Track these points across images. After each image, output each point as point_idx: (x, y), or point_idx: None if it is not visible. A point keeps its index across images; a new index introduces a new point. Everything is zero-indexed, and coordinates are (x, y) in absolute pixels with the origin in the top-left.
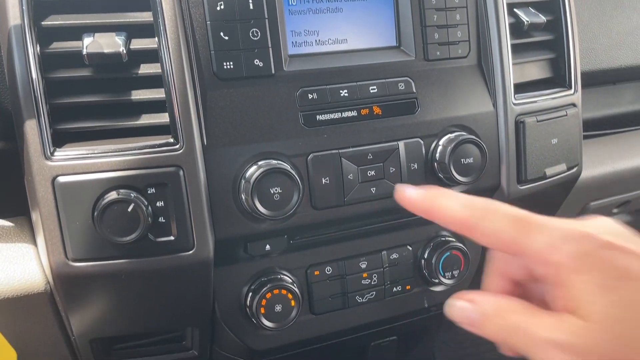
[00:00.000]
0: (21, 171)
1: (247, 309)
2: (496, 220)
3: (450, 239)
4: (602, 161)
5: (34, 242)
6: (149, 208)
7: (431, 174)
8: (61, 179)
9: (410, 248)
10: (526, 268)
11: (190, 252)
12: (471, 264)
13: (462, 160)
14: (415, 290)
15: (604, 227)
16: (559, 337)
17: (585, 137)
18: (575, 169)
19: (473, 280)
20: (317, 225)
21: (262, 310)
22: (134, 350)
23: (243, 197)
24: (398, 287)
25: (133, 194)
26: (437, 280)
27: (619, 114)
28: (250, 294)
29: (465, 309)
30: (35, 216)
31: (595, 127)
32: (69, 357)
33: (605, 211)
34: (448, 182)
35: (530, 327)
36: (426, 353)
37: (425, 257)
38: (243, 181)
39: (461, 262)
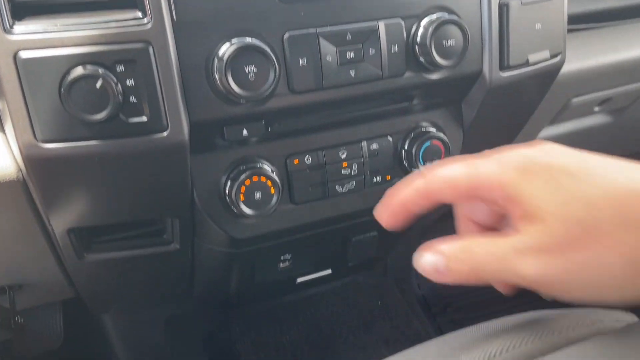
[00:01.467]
0: None
1: (227, 197)
2: (449, 170)
3: (431, 129)
4: (586, 55)
5: (3, 130)
6: (119, 86)
7: (412, 57)
8: (23, 54)
9: (391, 139)
10: (491, 211)
11: (164, 133)
12: (451, 155)
13: (444, 42)
14: (395, 181)
15: (545, 145)
16: (526, 245)
17: (570, 30)
18: (558, 57)
19: None
20: (296, 110)
21: (242, 198)
22: (113, 243)
23: (217, 77)
24: (378, 178)
25: (101, 70)
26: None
27: (605, 9)
28: (229, 181)
29: (431, 259)
30: (1, 103)
31: (580, 22)
32: (47, 249)
33: (587, 109)
34: (429, 66)
35: (498, 250)
36: (407, 256)
37: (406, 147)
38: (216, 60)
39: (441, 153)
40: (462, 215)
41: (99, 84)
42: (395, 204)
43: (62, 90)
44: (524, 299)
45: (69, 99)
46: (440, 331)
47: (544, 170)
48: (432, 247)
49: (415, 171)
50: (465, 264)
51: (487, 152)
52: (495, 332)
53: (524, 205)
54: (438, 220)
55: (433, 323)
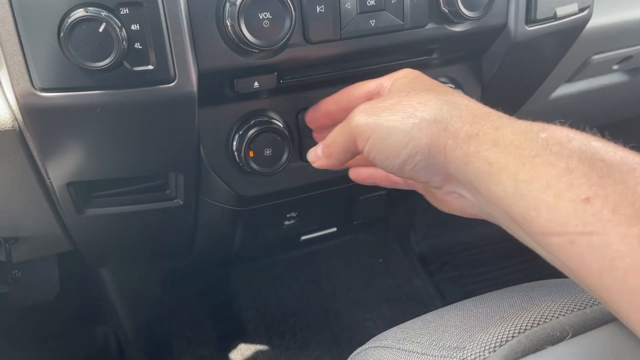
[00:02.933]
0: None
1: (235, 153)
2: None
3: (450, 85)
4: (610, 9)
5: None
6: (123, 31)
7: (435, 7)
8: None
9: None
10: None
11: (172, 84)
12: None
13: None
14: None
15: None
16: (364, 106)
17: None
18: (586, 12)
19: None
20: (310, 61)
21: (251, 154)
22: (115, 198)
23: (229, 23)
24: None
25: (104, 13)
26: None
27: None
28: (238, 136)
29: (313, 149)
30: None
31: None
32: (45, 203)
33: (605, 67)
34: (453, 17)
35: (349, 117)
36: (408, 215)
37: None
38: (228, 4)
39: None
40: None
41: (101, 28)
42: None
43: (62, 34)
44: (517, 259)
45: (69, 44)
46: (437, 289)
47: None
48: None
49: None
50: (329, 140)
51: None
52: (520, 300)
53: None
54: None
55: (430, 280)
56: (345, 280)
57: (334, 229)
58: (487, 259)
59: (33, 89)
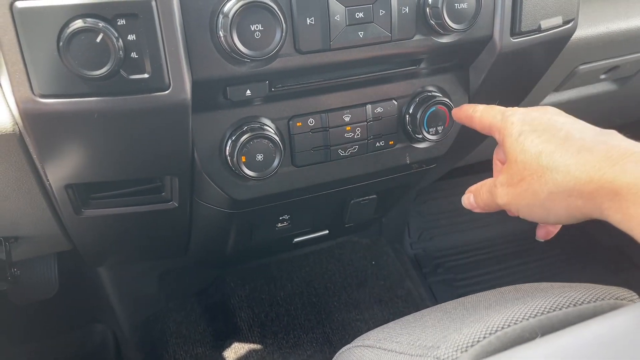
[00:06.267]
0: None
1: (228, 158)
2: (474, 110)
3: (437, 93)
4: (596, 21)
5: None
6: (120, 41)
7: (422, 20)
8: (19, 3)
9: (396, 102)
10: None
11: (166, 92)
12: (456, 120)
13: (456, 5)
14: (398, 146)
15: (548, 108)
16: (500, 180)
17: None
18: (570, 24)
19: (458, 136)
20: (301, 70)
21: (243, 159)
22: (112, 200)
23: (221, 34)
24: (381, 142)
25: (101, 24)
26: (420, 136)
27: None
28: (231, 141)
29: (467, 196)
30: None
31: None
32: (44, 204)
33: (593, 77)
34: (439, 29)
35: (490, 186)
36: (401, 217)
37: (410, 112)
38: (221, 16)
39: (446, 118)
40: (494, 158)
41: (99, 39)
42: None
43: (61, 43)
44: (510, 262)
45: (67, 53)
46: (430, 291)
47: (530, 122)
48: (468, 189)
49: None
50: (480, 198)
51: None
52: (495, 302)
53: (503, 147)
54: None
55: (424, 283)
56: (337, 281)
57: (326, 232)
58: (480, 261)
59: (33, 95)
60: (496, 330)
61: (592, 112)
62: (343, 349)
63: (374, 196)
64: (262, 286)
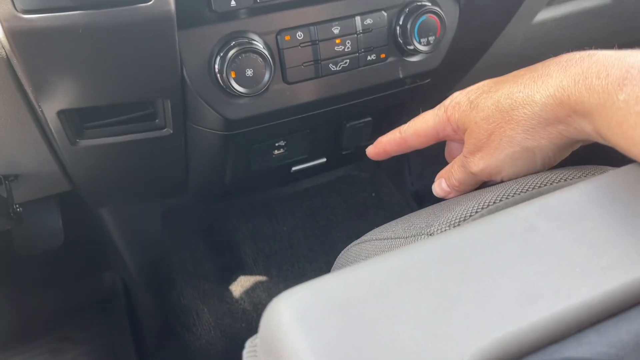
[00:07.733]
0: None
1: (218, 75)
2: (417, 127)
3: (426, 3)
4: None
5: None
6: None
7: None
8: None
9: (385, 13)
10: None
11: (150, 3)
12: (447, 30)
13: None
14: (390, 59)
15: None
16: (467, 149)
17: None
18: None
19: (450, 49)
20: None
21: (233, 74)
22: (106, 129)
23: None
24: (372, 56)
25: None
26: (412, 47)
27: None
28: (219, 57)
29: (437, 184)
30: None
31: None
32: (39, 136)
33: None
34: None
35: (460, 161)
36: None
37: (400, 23)
38: None
39: (437, 28)
40: (447, 156)
41: None
42: (381, 151)
43: None
44: None
45: None
46: None
47: (466, 102)
48: (437, 175)
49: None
50: (454, 177)
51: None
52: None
53: (460, 126)
54: None
55: None
56: (339, 214)
57: (324, 160)
58: None
59: (15, 11)
60: (488, 205)
61: (587, 29)
62: (342, 252)
63: (369, 119)
64: (264, 222)
